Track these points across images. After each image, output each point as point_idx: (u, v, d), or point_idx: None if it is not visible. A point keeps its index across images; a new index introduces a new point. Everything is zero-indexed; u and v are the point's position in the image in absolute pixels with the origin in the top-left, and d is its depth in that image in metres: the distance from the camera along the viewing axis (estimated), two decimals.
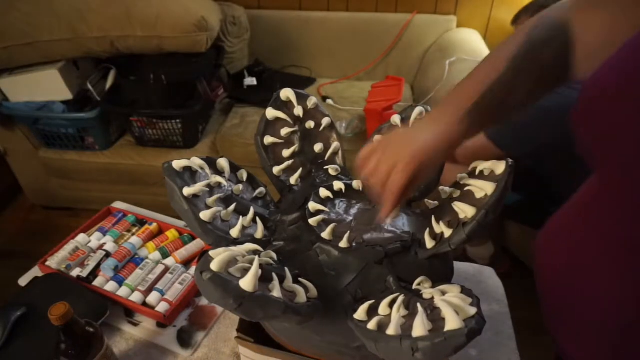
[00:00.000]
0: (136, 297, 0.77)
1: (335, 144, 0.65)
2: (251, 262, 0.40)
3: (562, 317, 0.56)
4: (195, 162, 0.53)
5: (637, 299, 0.45)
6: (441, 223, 0.50)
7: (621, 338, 0.48)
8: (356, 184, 0.59)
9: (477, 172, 0.52)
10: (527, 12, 1.31)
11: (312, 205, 0.55)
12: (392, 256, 0.50)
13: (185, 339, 0.73)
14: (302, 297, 0.42)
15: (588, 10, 0.46)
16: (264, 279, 0.41)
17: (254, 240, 0.52)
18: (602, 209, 0.46)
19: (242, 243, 0.48)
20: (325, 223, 0.54)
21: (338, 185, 0.58)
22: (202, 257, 0.40)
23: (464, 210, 0.47)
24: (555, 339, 0.58)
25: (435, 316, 0.38)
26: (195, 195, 0.50)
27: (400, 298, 0.42)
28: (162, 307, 0.75)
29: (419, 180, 0.48)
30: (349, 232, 0.52)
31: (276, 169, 0.62)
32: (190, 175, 0.52)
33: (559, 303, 0.56)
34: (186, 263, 0.85)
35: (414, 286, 0.47)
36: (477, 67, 0.51)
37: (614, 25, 0.43)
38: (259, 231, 0.53)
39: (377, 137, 0.59)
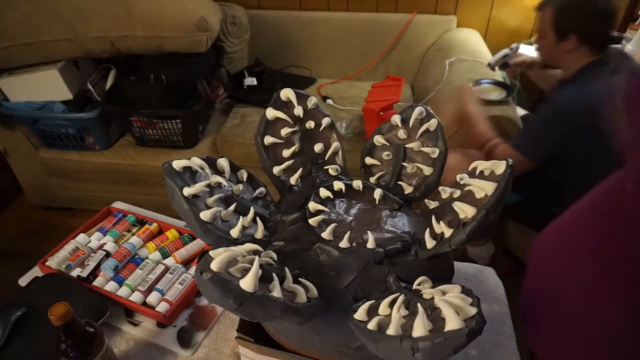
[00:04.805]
0: (136, 297, 0.77)
1: (335, 144, 0.65)
2: (251, 262, 0.40)
3: (545, 328, 0.55)
4: (195, 162, 0.53)
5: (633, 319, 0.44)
6: (441, 223, 0.50)
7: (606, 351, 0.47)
8: (356, 184, 0.59)
9: (477, 172, 0.52)
10: (553, 2, 1.26)
11: (312, 205, 0.55)
12: (392, 256, 0.50)
13: (185, 339, 0.73)
14: (302, 297, 0.42)
15: None
16: (264, 279, 0.41)
17: (254, 240, 0.52)
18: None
19: (242, 243, 0.47)
20: (325, 223, 0.54)
21: (338, 185, 0.58)
22: (202, 257, 0.40)
23: (464, 210, 0.47)
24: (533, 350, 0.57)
25: (435, 316, 0.38)
26: (195, 195, 0.50)
27: (401, 298, 0.42)
28: (162, 307, 0.75)
29: None
30: (349, 232, 0.52)
31: (276, 169, 0.62)
32: (190, 175, 0.52)
33: (543, 311, 0.54)
34: (186, 263, 0.85)
35: (414, 286, 0.47)
36: None
37: None
38: (259, 231, 0.53)
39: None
